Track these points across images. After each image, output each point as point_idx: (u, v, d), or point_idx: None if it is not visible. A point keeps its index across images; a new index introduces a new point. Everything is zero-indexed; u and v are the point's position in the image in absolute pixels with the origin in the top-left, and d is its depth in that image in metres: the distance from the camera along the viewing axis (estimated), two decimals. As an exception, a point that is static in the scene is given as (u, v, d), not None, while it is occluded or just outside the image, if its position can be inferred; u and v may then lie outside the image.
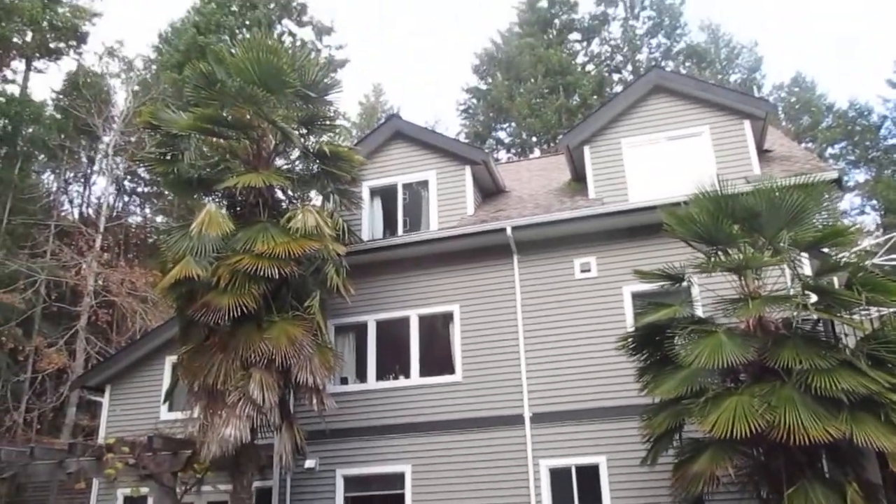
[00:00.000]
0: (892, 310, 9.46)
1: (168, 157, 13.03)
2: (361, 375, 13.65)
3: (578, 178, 14.39)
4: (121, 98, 31.59)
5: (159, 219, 33.87)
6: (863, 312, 9.38)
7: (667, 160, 12.96)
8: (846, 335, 9.51)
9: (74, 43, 32.40)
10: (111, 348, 24.72)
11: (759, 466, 8.80)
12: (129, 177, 32.63)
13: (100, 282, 26.62)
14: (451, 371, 12.94)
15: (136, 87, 30.70)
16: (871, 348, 8.36)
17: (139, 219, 34.84)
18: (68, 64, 33.13)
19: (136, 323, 25.34)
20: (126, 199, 34.49)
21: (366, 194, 14.52)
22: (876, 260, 12.91)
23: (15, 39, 29.36)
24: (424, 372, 13.15)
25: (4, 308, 24.81)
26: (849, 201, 37.93)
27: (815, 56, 62.26)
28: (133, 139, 29.13)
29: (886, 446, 7.55)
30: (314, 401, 11.69)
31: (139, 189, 34.69)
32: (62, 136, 29.84)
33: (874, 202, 37.46)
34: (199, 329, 11.75)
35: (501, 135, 43.32)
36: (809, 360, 7.95)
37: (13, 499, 16.98)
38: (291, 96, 12.70)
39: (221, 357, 11.25)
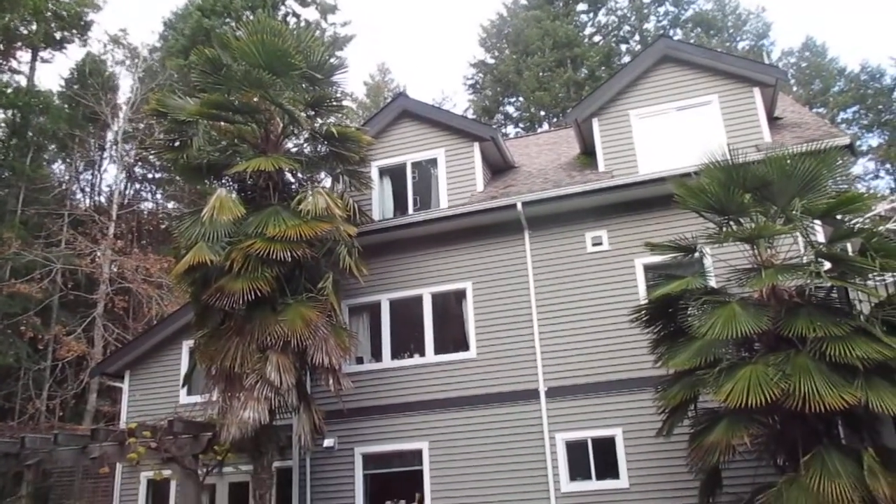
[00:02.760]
0: (907, 275, 9.39)
1: (177, 144, 13.10)
2: (377, 355, 13.75)
3: (588, 151, 14.32)
4: (127, 85, 31.67)
5: (171, 205, 34.06)
6: (877, 279, 9.30)
7: (676, 131, 12.86)
8: (860, 302, 9.44)
9: (78, 32, 32.40)
10: (129, 335, 25.01)
11: (775, 435, 8.81)
12: (139, 163, 32.75)
13: (115, 269, 26.86)
14: (466, 348, 13.01)
15: (142, 74, 30.71)
16: (886, 314, 8.32)
17: (151, 205, 35.04)
18: (74, 53, 33.05)
19: (152, 309, 25.58)
20: (137, 185, 34.68)
21: (375, 174, 14.51)
22: (890, 225, 12.79)
23: (21, 30, 29.38)
24: (439, 349, 13.23)
25: (22, 298, 25.12)
26: (862, 166, 37.59)
27: (825, 19, 61.30)
28: (142, 126, 29.23)
29: (902, 412, 7.56)
30: (331, 381, 11.80)
31: (150, 175, 34.86)
32: (71, 126, 29.95)
33: (888, 166, 37.07)
34: (215, 314, 11.87)
35: (509, 109, 43.12)
36: (824, 328, 7.93)
37: (39, 485, 17.29)
38: (297, 78, 12.66)
39: (237, 341, 11.36)
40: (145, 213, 33.01)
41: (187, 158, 12.81)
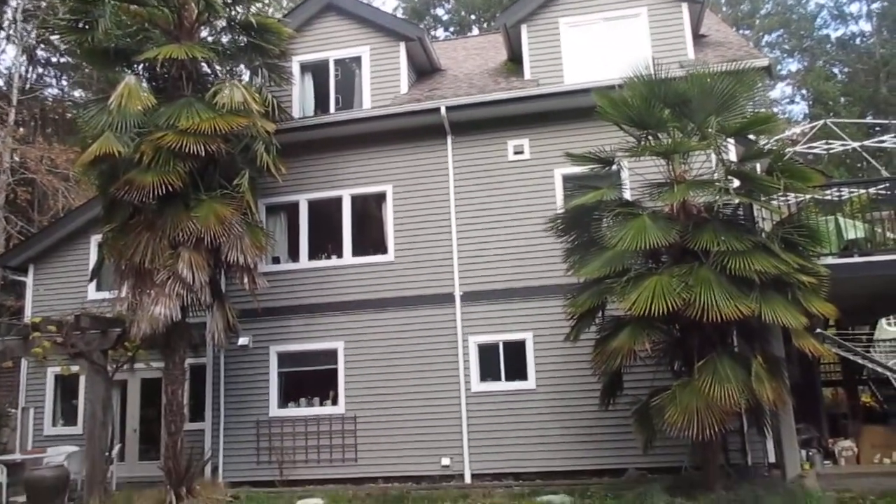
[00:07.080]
0: (808, 196, 9.85)
1: (82, 25, 12.16)
2: (294, 255, 13.62)
3: (515, 58, 14.14)
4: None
5: (77, 93, 32.02)
6: (781, 198, 9.72)
7: (604, 42, 12.80)
8: (763, 220, 9.88)
9: None
10: (33, 228, 23.90)
11: (674, 342, 9.31)
12: (41, 45, 30.44)
13: (17, 158, 25.33)
14: (384, 251, 13.04)
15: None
16: (785, 232, 8.78)
17: (56, 91, 32.83)
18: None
19: (58, 202, 24.42)
20: (40, 70, 32.32)
21: (296, 70, 13.96)
22: (798, 148, 13.29)
23: None
24: (357, 252, 13.21)
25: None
26: (780, 90, 38.60)
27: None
28: (44, 3, 27.03)
29: (791, 323, 8.09)
30: (245, 280, 11.67)
31: (54, 59, 32.50)
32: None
33: (804, 92, 38.19)
34: (124, 207, 11.42)
35: (439, 12, 41.91)
36: (727, 242, 8.29)
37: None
38: (214, -39, 11.85)
39: (148, 236, 11.02)
40: (49, 99, 30.94)
41: (93, 42, 11.93)
